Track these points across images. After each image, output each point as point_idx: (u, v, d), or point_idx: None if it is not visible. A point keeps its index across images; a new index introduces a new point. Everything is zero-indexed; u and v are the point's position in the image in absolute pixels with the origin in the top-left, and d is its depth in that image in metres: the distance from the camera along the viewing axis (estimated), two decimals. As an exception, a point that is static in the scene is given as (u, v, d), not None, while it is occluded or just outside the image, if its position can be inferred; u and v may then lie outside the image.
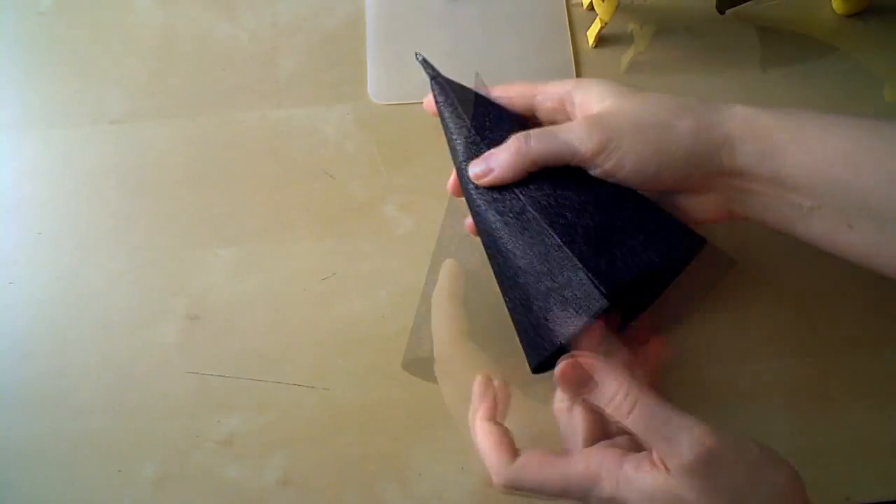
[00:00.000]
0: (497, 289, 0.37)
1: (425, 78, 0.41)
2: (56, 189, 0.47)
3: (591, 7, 0.37)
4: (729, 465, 0.27)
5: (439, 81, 0.40)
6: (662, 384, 0.35)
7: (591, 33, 0.38)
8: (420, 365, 0.40)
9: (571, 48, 0.51)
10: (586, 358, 0.31)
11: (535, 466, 0.31)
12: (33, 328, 0.44)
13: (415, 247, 0.43)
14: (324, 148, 0.48)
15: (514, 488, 0.32)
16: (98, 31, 0.52)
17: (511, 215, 0.35)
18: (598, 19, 0.37)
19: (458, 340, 0.36)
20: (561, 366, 0.31)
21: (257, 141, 0.49)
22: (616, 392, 0.30)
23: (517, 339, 0.36)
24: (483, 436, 0.33)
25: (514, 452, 0.32)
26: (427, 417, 0.42)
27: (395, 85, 0.50)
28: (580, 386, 0.31)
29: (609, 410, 0.30)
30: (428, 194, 0.45)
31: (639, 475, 0.28)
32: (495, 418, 0.34)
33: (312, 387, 0.43)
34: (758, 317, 0.44)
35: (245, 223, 0.47)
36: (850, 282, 0.45)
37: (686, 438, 0.28)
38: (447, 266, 0.38)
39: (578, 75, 0.50)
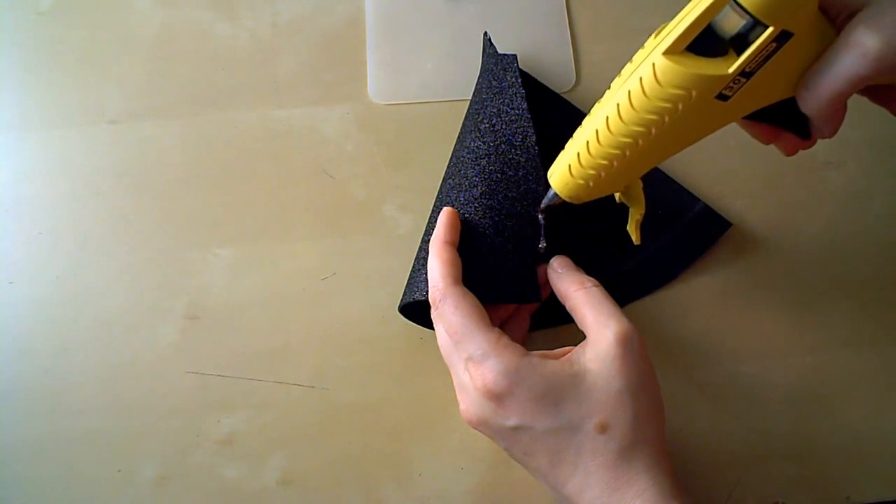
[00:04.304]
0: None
1: (425, 78, 0.42)
2: (55, 189, 0.47)
3: (621, 201, 0.39)
4: (638, 345, 0.34)
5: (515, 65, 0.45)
6: (663, 384, 0.35)
7: (632, 230, 0.39)
8: (415, 308, 0.41)
9: (571, 48, 0.51)
10: (561, 264, 0.40)
11: (471, 301, 0.36)
12: (33, 328, 0.44)
13: (414, 247, 0.43)
14: (324, 148, 0.48)
15: (441, 312, 0.36)
16: (98, 31, 0.52)
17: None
18: (633, 216, 0.39)
19: (451, 285, 0.36)
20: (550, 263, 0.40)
21: (257, 141, 0.49)
22: (573, 281, 0.38)
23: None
24: (438, 254, 0.37)
25: (459, 279, 0.37)
26: (427, 417, 0.42)
27: (395, 85, 0.50)
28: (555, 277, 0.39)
29: (567, 292, 0.38)
30: (428, 194, 0.45)
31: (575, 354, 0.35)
32: (455, 244, 0.38)
33: (312, 387, 0.43)
34: (758, 317, 0.44)
35: (244, 223, 0.47)
36: (850, 281, 0.45)
37: (614, 320, 0.35)
38: (444, 213, 0.39)
39: (578, 76, 0.50)
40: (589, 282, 0.38)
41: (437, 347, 0.37)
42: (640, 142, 0.33)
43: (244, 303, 0.44)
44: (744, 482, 0.41)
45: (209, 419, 0.42)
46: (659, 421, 0.35)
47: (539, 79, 0.49)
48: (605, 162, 0.34)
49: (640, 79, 0.31)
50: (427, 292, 0.38)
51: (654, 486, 0.32)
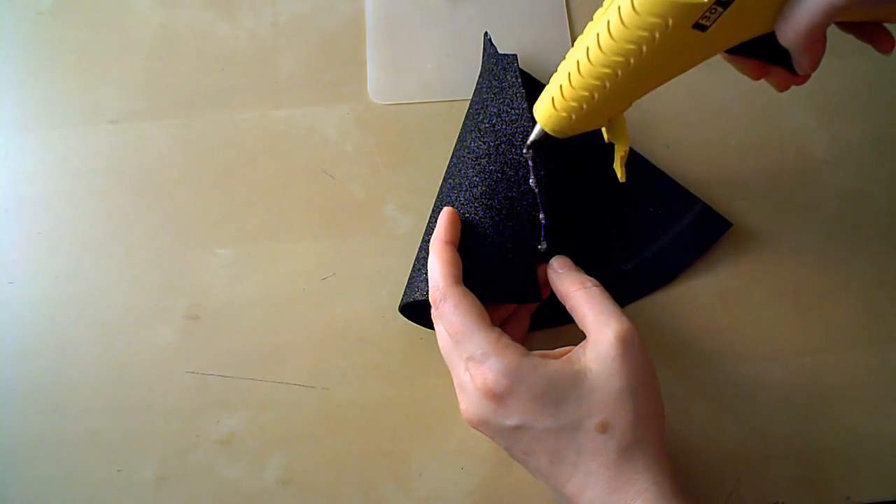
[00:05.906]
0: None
1: (425, 78, 0.42)
2: (55, 189, 0.47)
3: (609, 140, 0.39)
4: (638, 345, 0.35)
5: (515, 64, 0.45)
6: (663, 384, 0.35)
7: (618, 168, 0.39)
8: (415, 308, 0.41)
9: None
10: (561, 263, 0.40)
11: (472, 301, 0.36)
12: (33, 328, 0.44)
13: (414, 246, 0.43)
14: (323, 148, 0.48)
15: (441, 312, 0.36)
16: (98, 31, 0.52)
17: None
18: (617, 153, 0.39)
19: (452, 285, 0.36)
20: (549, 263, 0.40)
21: (257, 141, 0.49)
22: (573, 281, 0.38)
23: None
24: (439, 254, 0.37)
25: (460, 279, 0.37)
26: (427, 417, 0.42)
27: (394, 85, 0.50)
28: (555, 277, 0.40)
29: (567, 292, 0.38)
30: (428, 194, 0.45)
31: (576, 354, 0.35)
32: (455, 244, 0.38)
33: (312, 387, 0.43)
34: (758, 317, 0.44)
35: (244, 223, 0.47)
36: (850, 281, 0.45)
37: (614, 319, 0.35)
38: (444, 213, 0.39)
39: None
40: (589, 281, 0.38)
41: (437, 347, 0.37)
42: (620, 73, 0.33)
43: (244, 303, 0.44)
44: (744, 482, 0.41)
45: (209, 419, 0.42)
46: (659, 420, 0.35)
47: (539, 79, 0.49)
48: (586, 93, 0.35)
49: (619, 8, 0.32)
50: (427, 292, 0.38)
51: (654, 485, 0.32)
